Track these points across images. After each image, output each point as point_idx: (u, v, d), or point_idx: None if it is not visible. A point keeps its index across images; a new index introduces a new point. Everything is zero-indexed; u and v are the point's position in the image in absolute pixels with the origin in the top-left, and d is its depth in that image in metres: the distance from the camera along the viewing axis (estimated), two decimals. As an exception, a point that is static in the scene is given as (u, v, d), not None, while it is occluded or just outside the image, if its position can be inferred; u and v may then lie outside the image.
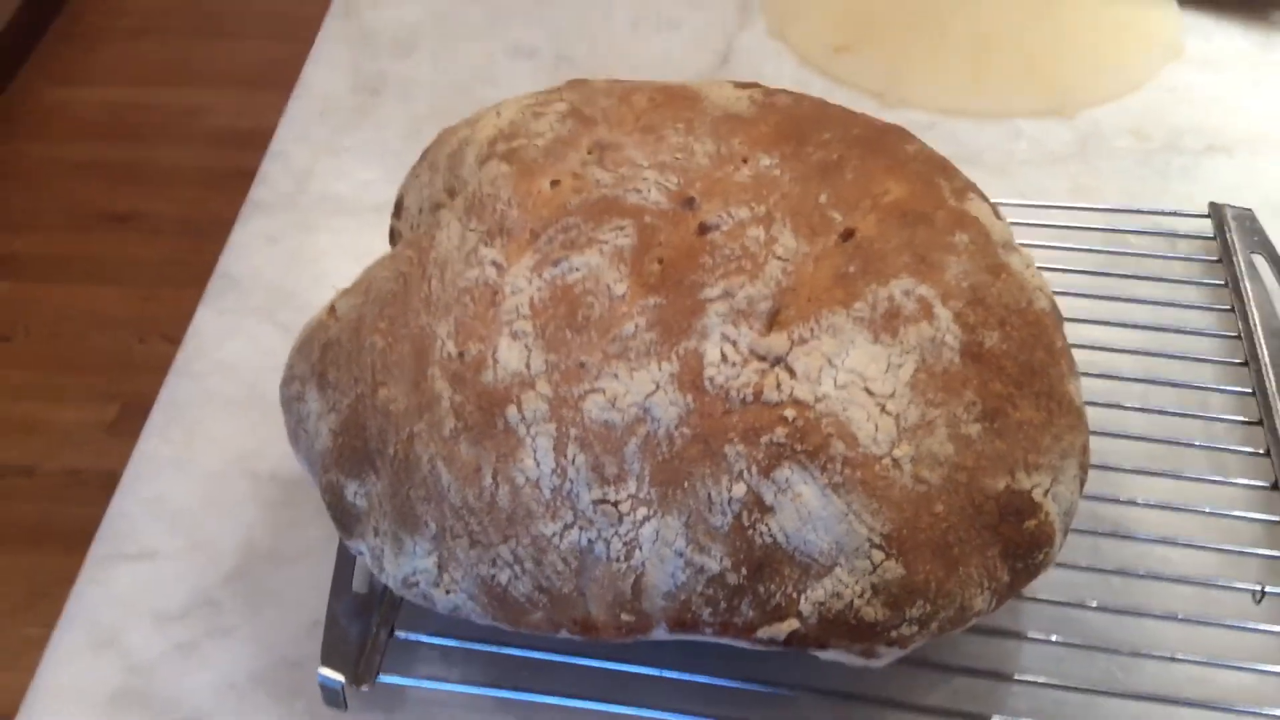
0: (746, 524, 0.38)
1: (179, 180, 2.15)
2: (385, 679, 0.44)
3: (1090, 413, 0.50)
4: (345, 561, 0.46)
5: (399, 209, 0.50)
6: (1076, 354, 0.50)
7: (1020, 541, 0.39)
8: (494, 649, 0.44)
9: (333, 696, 0.43)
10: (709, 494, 0.38)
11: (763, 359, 0.39)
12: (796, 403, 0.38)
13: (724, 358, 0.39)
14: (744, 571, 0.38)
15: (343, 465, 0.41)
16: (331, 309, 0.45)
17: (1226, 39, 0.74)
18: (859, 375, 0.39)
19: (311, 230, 0.63)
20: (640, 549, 0.39)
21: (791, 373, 0.39)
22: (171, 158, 2.19)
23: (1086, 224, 0.61)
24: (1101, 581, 0.47)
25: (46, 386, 1.85)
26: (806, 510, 0.38)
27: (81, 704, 0.45)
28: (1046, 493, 0.40)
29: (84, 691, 0.45)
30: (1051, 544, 0.40)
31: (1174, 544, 0.48)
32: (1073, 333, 0.52)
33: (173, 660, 0.46)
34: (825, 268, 0.42)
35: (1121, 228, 0.61)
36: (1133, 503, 0.49)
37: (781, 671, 0.44)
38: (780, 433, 0.38)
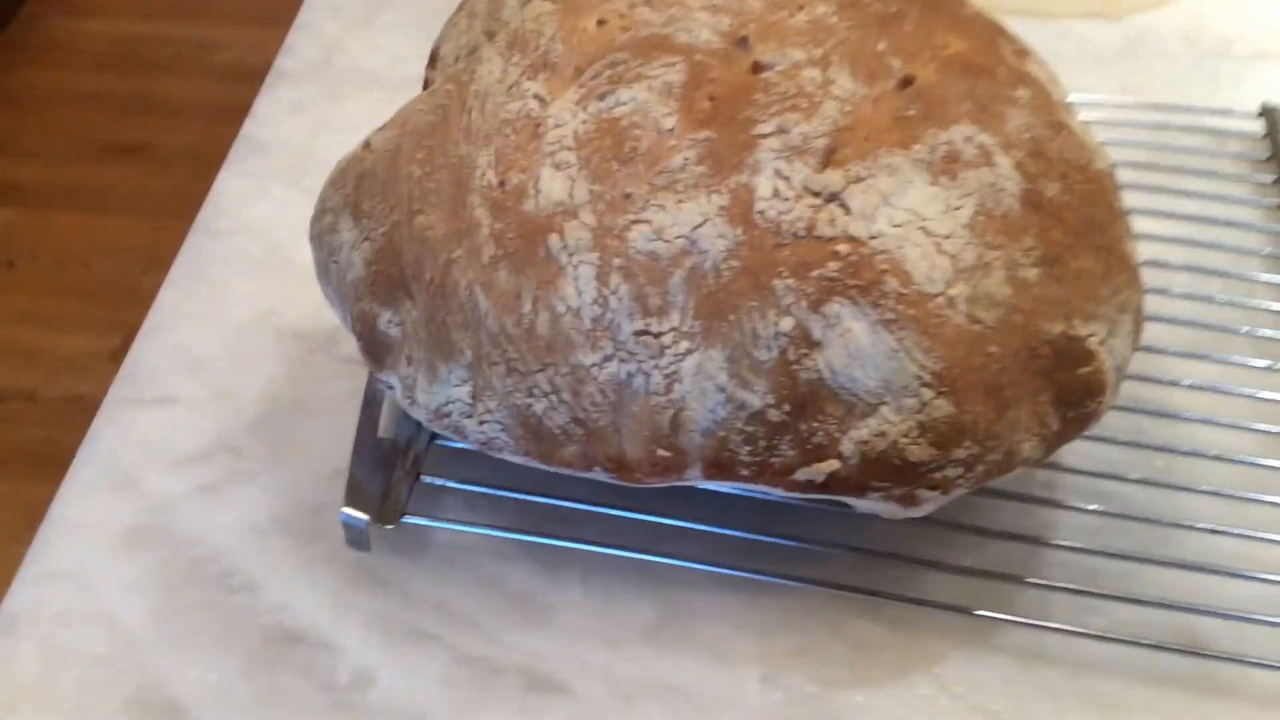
0: (792, 359, 0.37)
1: (187, 114, 2.13)
2: (410, 520, 0.43)
3: (1136, 298, 0.49)
4: (371, 408, 0.45)
5: (434, 60, 0.49)
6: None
7: (1073, 388, 0.38)
8: (521, 496, 0.43)
9: (356, 536, 0.42)
10: (755, 328, 0.37)
11: (816, 195, 0.38)
12: (850, 239, 0.37)
13: (776, 192, 0.38)
14: (786, 409, 0.37)
15: (377, 293, 0.40)
16: (366, 143, 0.43)
17: (1278, -48, 0.73)
18: (916, 214, 0.38)
19: (340, 100, 0.61)
20: (680, 383, 0.37)
21: (846, 209, 0.38)
22: (180, 91, 2.17)
23: (1136, 119, 0.59)
24: (1143, 459, 0.46)
25: (50, 314, 1.84)
26: (855, 346, 0.36)
27: (97, 538, 0.44)
28: (1102, 343, 0.39)
29: (100, 527, 0.44)
30: (1104, 393, 0.39)
31: (1217, 424, 0.47)
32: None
33: (192, 501, 0.45)
34: (884, 110, 0.40)
35: (1171, 124, 0.59)
36: (1176, 384, 0.48)
37: (814, 530, 0.43)
38: (832, 267, 0.37)
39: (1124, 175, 0.55)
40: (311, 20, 0.66)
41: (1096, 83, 0.63)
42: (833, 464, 0.38)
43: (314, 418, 0.48)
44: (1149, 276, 0.51)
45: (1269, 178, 0.57)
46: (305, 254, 0.53)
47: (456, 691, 0.40)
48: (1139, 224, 0.53)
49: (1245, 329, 0.50)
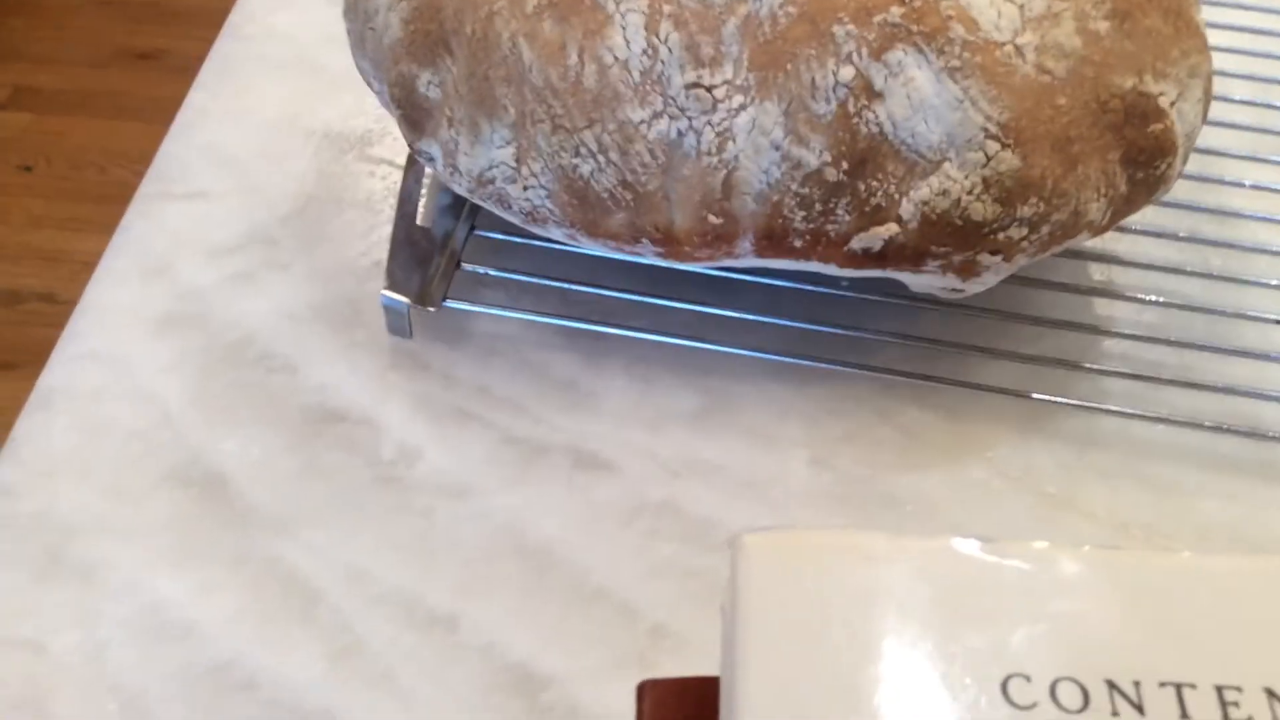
0: (852, 112, 0.35)
1: (204, 20, 2.10)
2: (451, 304, 0.42)
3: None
4: (407, 205, 0.44)
5: None
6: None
7: (1144, 146, 0.37)
8: (564, 285, 0.42)
9: (397, 320, 0.41)
10: (813, 78, 0.35)
11: (876, -58, 0.36)
12: (912, -15, 0.35)
13: (834, -61, 0.36)
14: (844, 166, 0.36)
15: (415, 53, 0.39)
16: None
17: None
18: (980, -37, 0.36)
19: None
20: (734, 141, 0.36)
21: (907, -43, 0.36)
22: (195, -2, 2.14)
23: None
24: (1202, 256, 0.45)
25: (66, 216, 1.83)
26: (919, 96, 0.35)
27: (132, 322, 0.43)
28: (1172, 103, 0.37)
29: (134, 312, 0.43)
30: (1174, 154, 0.37)
31: (1277, 222, 0.45)
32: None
33: (227, 289, 0.44)
34: None
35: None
36: (1239, 184, 0.46)
37: (864, 320, 0.42)
38: (895, 12, 0.35)
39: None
40: None
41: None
42: (892, 227, 0.36)
43: (348, 212, 0.46)
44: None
45: (1332, -9, 0.55)
46: (334, 60, 0.52)
47: (503, 468, 0.39)
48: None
49: (1308, 133, 0.48)
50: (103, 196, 1.86)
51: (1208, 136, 0.48)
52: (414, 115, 0.39)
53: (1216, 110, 0.49)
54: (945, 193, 0.35)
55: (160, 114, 1.96)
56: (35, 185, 1.88)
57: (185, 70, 2.08)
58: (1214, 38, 0.52)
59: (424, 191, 0.44)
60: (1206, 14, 0.53)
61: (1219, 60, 0.51)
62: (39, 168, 1.89)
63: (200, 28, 2.09)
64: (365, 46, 0.41)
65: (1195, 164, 0.47)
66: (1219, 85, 0.50)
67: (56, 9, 2.12)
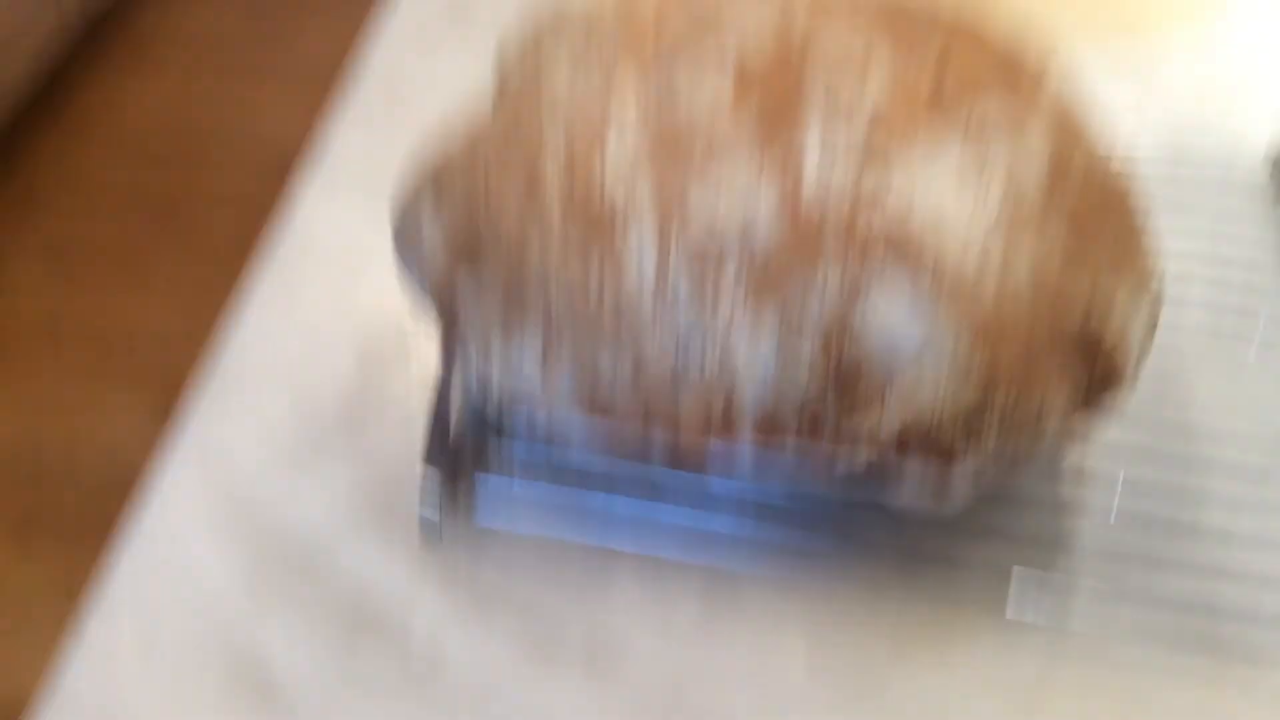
0: (838, 324, 0.40)
1: (235, 180, 2.20)
2: (479, 518, 0.46)
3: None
4: (441, 407, 0.48)
5: (499, 69, 0.52)
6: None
7: (1096, 369, 0.41)
8: (581, 494, 0.46)
9: (430, 528, 0.45)
10: (803, 295, 0.40)
11: (859, 174, 0.41)
12: (890, 215, 0.40)
13: (821, 177, 0.41)
14: (833, 370, 0.40)
15: (454, 263, 0.43)
16: (446, 130, 0.47)
17: None
18: (950, 199, 0.41)
19: (405, 123, 0.65)
20: (735, 347, 0.40)
21: (886, 190, 0.41)
22: (227, 158, 2.25)
23: (1153, 142, 0.63)
24: (1162, 444, 0.49)
25: (92, 375, 1.89)
26: (897, 324, 0.40)
27: (190, 519, 0.47)
28: (1122, 324, 0.42)
29: (192, 510, 0.47)
30: (1126, 366, 0.42)
31: (1230, 442, 0.49)
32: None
33: (276, 488, 0.48)
34: (919, 94, 0.43)
35: (1185, 147, 0.62)
36: (1196, 383, 0.51)
37: (857, 536, 0.46)
38: (874, 239, 0.40)
39: (1143, 192, 0.59)
40: (375, 58, 0.71)
41: (1117, 104, 0.66)
42: (876, 424, 0.40)
43: (387, 411, 0.51)
44: (1170, 288, 0.54)
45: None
46: (376, 261, 0.57)
47: (522, 668, 0.43)
48: (1161, 239, 0.57)
49: (1259, 339, 0.53)
50: (131, 354, 1.92)
51: (1169, 338, 0.52)
52: (450, 316, 0.44)
53: (1173, 316, 0.53)
54: (920, 412, 0.40)
55: (190, 277, 2.04)
56: (63, 345, 1.94)
57: (213, 229, 2.16)
58: (1171, 244, 0.57)
59: (456, 401, 0.49)
60: (1165, 223, 0.58)
61: (1180, 267, 0.56)
62: (66, 328, 1.96)
63: (232, 186, 2.19)
64: (408, 251, 0.46)
65: (1156, 364, 0.51)
66: (1171, 290, 0.54)
67: (92, 173, 2.22)
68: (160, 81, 2.43)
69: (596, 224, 0.41)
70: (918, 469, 0.41)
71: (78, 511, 1.71)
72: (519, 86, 0.46)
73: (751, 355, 0.40)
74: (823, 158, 0.41)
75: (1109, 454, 0.49)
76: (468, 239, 0.43)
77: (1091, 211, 0.43)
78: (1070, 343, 0.41)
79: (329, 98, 2.38)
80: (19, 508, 1.71)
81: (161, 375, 1.90)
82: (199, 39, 2.50)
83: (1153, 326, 0.44)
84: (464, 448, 0.47)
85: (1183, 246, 0.57)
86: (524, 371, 0.42)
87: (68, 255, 2.08)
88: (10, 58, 2.12)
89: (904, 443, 0.40)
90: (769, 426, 0.41)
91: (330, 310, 0.55)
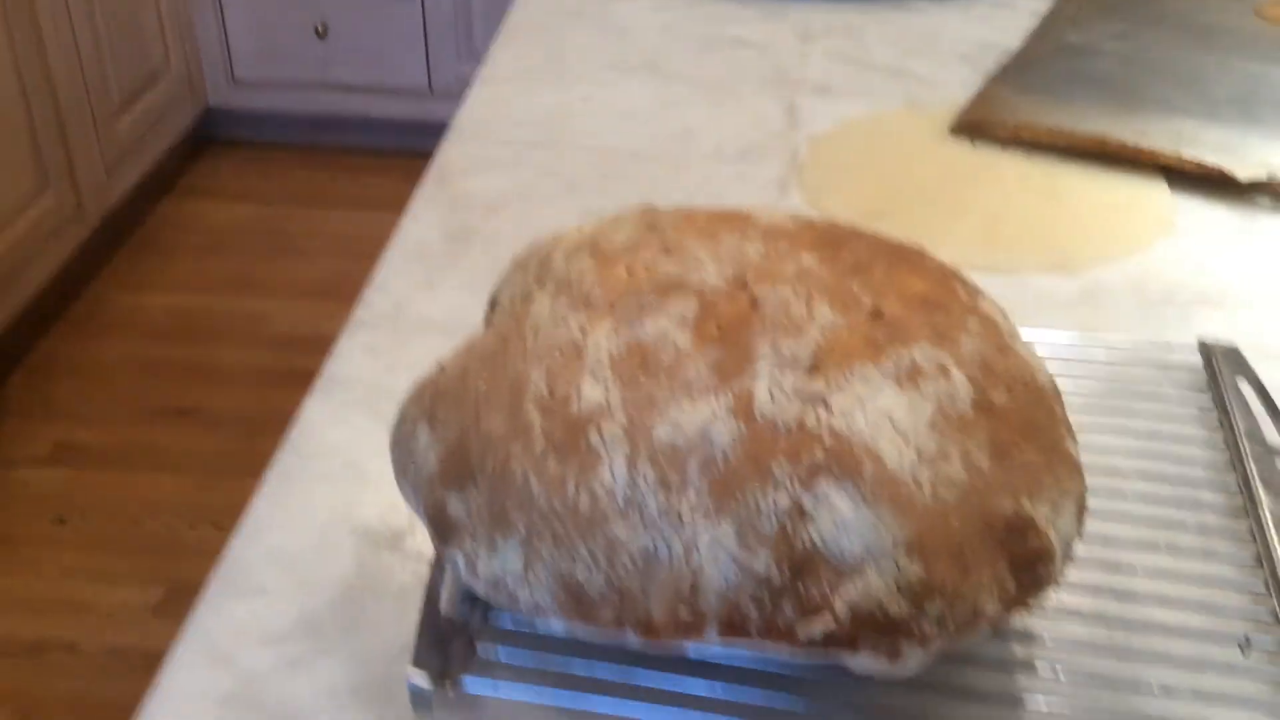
0: (790, 530, 0.45)
1: (240, 380, 2.28)
2: (467, 684, 0.50)
3: (1094, 501, 0.58)
4: (434, 593, 0.53)
5: (492, 304, 0.59)
6: (1081, 455, 0.58)
7: (1025, 556, 0.46)
8: (563, 661, 0.50)
9: (420, 698, 0.49)
10: (758, 504, 0.45)
11: (804, 398, 0.47)
12: (833, 432, 0.46)
13: (772, 396, 0.47)
14: (786, 572, 0.45)
15: (447, 483, 0.49)
16: (440, 366, 0.53)
17: (1214, 216, 0.84)
18: (886, 414, 0.46)
19: (408, 344, 0.72)
20: (698, 551, 0.45)
21: (829, 409, 0.46)
22: (234, 359, 2.34)
23: (1090, 356, 0.69)
24: (1105, 634, 0.53)
25: (96, 568, 1.92)
26: (841, 519, 0.44)
27: (199, 706, 0.50)
28: (1048, 520, 0.46)
29: (201, 696, 0.51)
30: (1053, 561, 0.46)
31: (1171, 604, 0.53)
32: (1078, 439, 0.60)
33: (279, 673, 0.52)
34: (857, 334, 0.50)
35: (1120, 360, 0.69)
36: (1134, 571, 0.55)
37: (823, 695, 0.50)
38: (819, 454, 0.45)
39: (1081, 401, 0.65)
40: (383, 281, 0.78)
41: (1056, 324, 0.73)
42: (828, 620, 0.45)
43: (383, 603, 0.55)
44: (1104, 484, 0.59)
45: (1208, 400, 0.66)
46: (377, 468, 0.62)
47: (506, 831, 0.46)
48: (1095, 440, 0.62)
49: (1190, 523, 0.58)
50: (132, 548, 1.96)
51: (1105, 532, 0.57)
52: (443, 530, 0.49)
53: (1111, 507, 0.58)
54: (868, 594, 0.44)
55: (193, 468, 2.09)
56: (67, 537, 1.98)
57: (219, 425, 2.23)
58: (1109, 441, 0.62)
59: (447, 583, 0.53)
60: (1102, 421, 0.64)
61: (1114, 460, 0.61)
62: (72, 520, 2.00)
63: (235, 386, 2.26)
64: (407, 475, 0.51)
65: (1097, 553, 0.56)
66: (1112, 485, 0.60)
67: (102, 370, 2.29)
68: (173, 271, 2.53)
69: (573, 436, 0.47)
70: (870, 643, 0.45)
71: (81, 700, 1.71)
72: (507, 327, 0.52)
73: (714, 550, 0.45)
74: (773, 391, 0.47)
75: (1056, 626, 0.53)
76: (458, 463, 0.49)
77: (1017, 424, 0.48)
78: (1000, 536, 0.46)
79: (338, 282, 2.47)
80: (27, 698, 1.71)
81: (165, 564, 1.93)
82: (213, 234, 2.62)
83: (1080, 519, 0.49)
84: (455, 621, 0.51)
85: (1121, 444, 0.62)
86: (507, 583, 0.47)
87: (78, 453, 2.14)
88: (38, 267, 2.23)
89: (855, 623, 0.45)
90: (731, 619, 0.46)
91: (335, 512, 0.60)
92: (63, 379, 2.28)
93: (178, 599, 1.87)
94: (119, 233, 2.61)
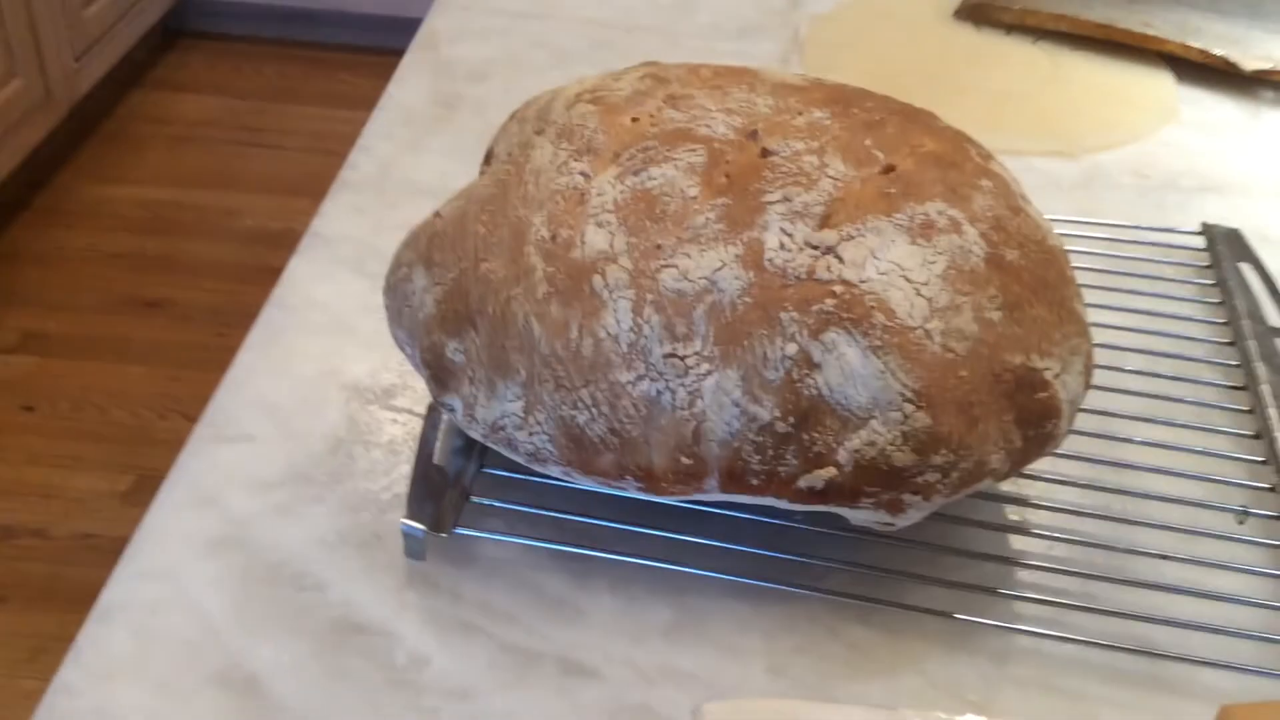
0: (796, 379, 0.44)
1: (210, 273, 2.24)
2: (460, 531, 0.49)
3: (1096, 374, 0.57)
4: (426, 445, 0.52)
5: (488, 158, 0.57)
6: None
7: (1032, 410, 0.45)
8: (558, 514, 0.50)
9: (413, 545, 0.48)
10: (764, 352, 0.44)
11: (815, 248, 0.46)
12: (844, 281, 0.45)
13: (782, 245, 0.46)
14: (791, 420, 0.44)
15: (445, 327, 0.47)
16: (437, 212, 0.51)
17: (1219, 107, 0.83)
18: (898, 265, 0.45)
19: (395, 206, 0.70)
20: (702, 399, 0.44)
21: (840, 259, 0.45)
22: (205, 252, 2.29)
23: (1094, 235, 0.68)
24: (1103, 501, 0.53)
25: (65, 455, 1.90)
26: (849, 368, 0.44)
27: (186, 546, 0.50)
28: (1056, 376, 0.46)
29: (187, 537, 0.50)
30: (1059, 416, 0.46)
31: (1168, 473, 0.53)
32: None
33: (268, 518, 0.51)
34: (870, 188, 0.48)
35: (1122, 239, 0.68)
36: (1130, 440, 0.55)
37: (815, 549, 0.49)
38: (829, 303, 0.44)
39: (1086, 279, 0.64)
40: (368, 144, 0.75)
41: (1057, 208, 0.72)
42: (830, 470, 0.44)
43: (372, 454, 0.54)
44: (1108, 357, 0.59)
45: (1209, 281, 0.65)
46: (366, 325, 0.61)
47: (501, 674, 0.45)
48: (1098, 316, 0.61)
49: (1189, 399, 0.57)
50: (101, 436, 1.93)
51: (1107, 399, 0.56)
52: (441, 375, 0.48)
53: (1112, 378, 0.58)
54: (873, 443, 0.44)
55: (163, 360, 2.07)
56: (36, 424, 1.95)
57: (189, 319, 2.20)
58: (1111, 318, 0.62)
59: (440, 435, 0.52)
60: (1105, 299, 0.63)
61: (1115, 335, 0.60)
62: (41, 409, 1.98)
63: (206, 279, 2.23)
64: (402, 320, 0.50)
65: (1097, 423, 0.55)
66: (1115, 357, 0.59)
67: (69, 260, 2.25)
68: (142, 163, 2.48)
69: (576, 281, 0.46)
70: (872, 494, 0.45)
71: (51, 583, 1.71)
72: (506, 173, 0.51)
73: (718, 397, 0.44)
74: (783, 241, 0.45)
75: (1056, 491, 0.53)
76: (456, 307, 0.47)
77: (1028, 281, 0.47)
78: (1008, 389, 0.45)
79: (310, 179, 2.43)
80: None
81: (135, 453, 1.92)
82: (184, 122, 2.57)
83: (1085, 380, 0.48)
84: (447, 471, 0.51)
85: (1123, 321, 0.62)
86: (507, 427, 0.46)
87: (45, 342, 2.11)
88: (4, 155, 2.17)
89: (858, 474, 0.44)
90: (733, 469, 0.45)
91: (323, 366, 0.58)
92: (30, 268, 2.23)
93: (148, 487, 1.86)
94: (87, 123, 2.55)
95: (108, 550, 1.76)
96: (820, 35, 0.89)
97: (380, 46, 2.80)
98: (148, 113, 2.65)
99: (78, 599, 1.73)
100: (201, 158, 2.55)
